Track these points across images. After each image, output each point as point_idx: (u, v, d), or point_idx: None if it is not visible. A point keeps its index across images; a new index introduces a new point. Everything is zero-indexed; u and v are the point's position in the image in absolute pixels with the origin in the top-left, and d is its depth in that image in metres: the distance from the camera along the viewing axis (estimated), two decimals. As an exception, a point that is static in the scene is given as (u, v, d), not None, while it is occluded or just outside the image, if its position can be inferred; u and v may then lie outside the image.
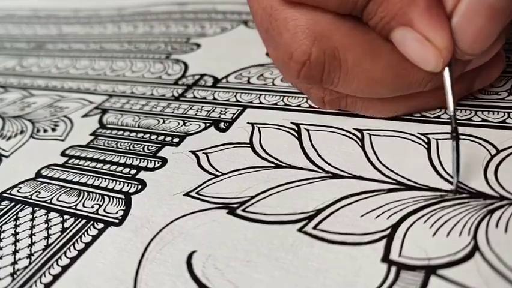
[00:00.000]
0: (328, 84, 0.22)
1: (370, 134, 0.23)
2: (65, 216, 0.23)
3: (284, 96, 0.28)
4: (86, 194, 0.24)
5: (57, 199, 0.24)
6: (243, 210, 0.20)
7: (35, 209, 0.24)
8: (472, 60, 0.21)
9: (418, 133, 0.22)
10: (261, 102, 0.28)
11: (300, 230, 0.19)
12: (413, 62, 0.20)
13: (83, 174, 0.25)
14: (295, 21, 0.21)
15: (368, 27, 0.20)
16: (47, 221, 0.23)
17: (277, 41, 0.22)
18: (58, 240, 0.21)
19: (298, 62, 0.21)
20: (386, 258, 0.17)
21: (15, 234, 0.22)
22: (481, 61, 0.22)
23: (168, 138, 0.27)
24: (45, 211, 0.23)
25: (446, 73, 0.20)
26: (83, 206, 0.23)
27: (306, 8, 0.21)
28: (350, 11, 0.20)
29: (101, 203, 0.23)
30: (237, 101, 0.29)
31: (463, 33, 0.19)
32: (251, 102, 0.28)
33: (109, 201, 0.23)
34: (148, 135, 0.27)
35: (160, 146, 0.26)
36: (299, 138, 0.24)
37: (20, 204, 0.24)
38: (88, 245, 0.21)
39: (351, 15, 0.20)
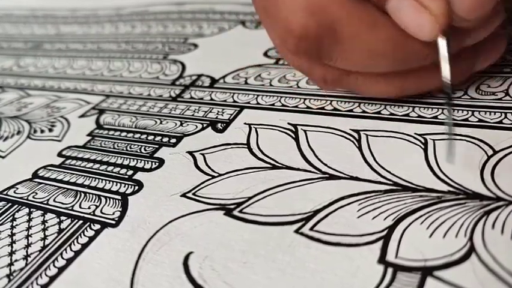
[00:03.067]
0: (327, 59, 0.22)
1: (367, 135, 0.23)
2: (62, 217, 0.23)
3: (281, 97, 0.28)
4: (82, 194, 0.24)
5: (54, 200, 0.24)
6: (240, 211, 0.20)
7: (32, 210, 0.24)
8: (470, 34, 0.21)
9: (415, 133, 0.22)
10: (258, 103, 0.28)
11: (297, 231, 0.19)
12: (408, 31, 0.20)
13: (79, 175, 0.25)
14: None
15: (364, 0, 0.21)
16: (44, 222, 0.23)
17: (275, 17, 0.22)
18: (55, 241, 0.21)
19: (296, 36, 0.22)
20: (382, 260, 0.17)
21: (12, 235, 0.22)
22: (480, 36, 0.22)
23: (165, 139, 0.26)
24: (42, 212, 0.23)
25: (441, 41, 0.20)
26: (80, 207, 0.23)
27: None
28: None
29: (97, 204, 0.23)
30: (234, 101, 0.29)
31: None
32: (248, 102, 0.28)
33: (106, 202, 0.23)
34: (145, 135, 0.27)
35: (157, 146, 0.26)
36: (296, 139, 0.24)
37: (16, 205, 0.24)
38: (84, 246, 0.21)
39: None
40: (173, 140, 0.26)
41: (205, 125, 0.27)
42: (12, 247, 0.22)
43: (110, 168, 0.25)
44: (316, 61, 0.23)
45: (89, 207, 0.23)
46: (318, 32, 0.21)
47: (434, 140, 0.22)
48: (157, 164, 0.25)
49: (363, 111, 0.25)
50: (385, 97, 0.24)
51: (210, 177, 0.23)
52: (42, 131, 0.31)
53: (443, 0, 0.19)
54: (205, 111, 0.28)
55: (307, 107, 0.26)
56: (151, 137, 0.27)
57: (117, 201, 0.23)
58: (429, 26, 0.19)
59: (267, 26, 0.24)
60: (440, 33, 0.19)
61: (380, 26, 0.21)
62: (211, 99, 0.29)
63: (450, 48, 0.20)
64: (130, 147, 0.27)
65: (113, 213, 0.22)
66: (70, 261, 0.20)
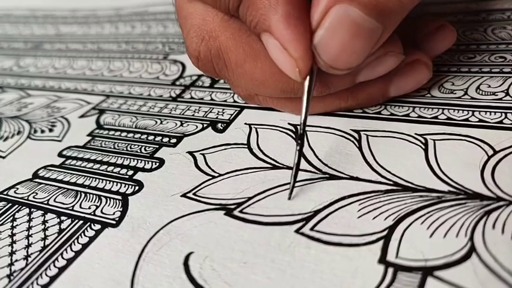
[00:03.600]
0: (226, 80, 0.24)
1: (367, 135, 0.23)
2: (62, 217, 0.23)
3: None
4: (83, 195, 0.24)
5: (54, 200, 0.24)
6: (240, 212, 0.20)
7: (32, 210, 0.24)
8: (361, 73, 0.22)
9: (415, 134, 0.22)
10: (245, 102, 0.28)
11: (297, 231, 0.19)
12: (279, 67, 0.20)
13: (80, 175, 0.25)
14: (191, 20, 0.23)
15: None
16: (44, 222, 0.23)
17: (182, 35, 0.24)
18: (55, 241, 0.21)
19: (192, 56, 0.24)
20: (383, 260, 0.17)
21: (12, 235, 0.22)
22: (374, 74, 0.22)
23: (165, 139, 0.26)
24: (42, 212, 0.23)
25: (306, 82, 0.20)
26: (80, 207, 0.23)
27: (202, 6, 0.23)
28: (228, 12, 0.21)
29: (98, 204, 0.23)
30: (235, 101, 0.29)
31: (327, 46, 0.19)
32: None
33: (106, 202, 0.23)
34: (145, 136, 0.27)
35: (157, 146, 0.26)
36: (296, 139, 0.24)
37: (16, 205, 0.24)
38: (84, 246, 0.21)
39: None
40: (173, 140, 0.26)
41: (205, 125, 0.27)
42: (12, 247, 0.22)
43: (110, 168, 0.25)
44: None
45: (89, 208, 0.23)
46: (208, 57, 0.23)
47: (434, 140, 0.22)
48: (157, 164, 0.25)
49: (364, 112, 0.25)
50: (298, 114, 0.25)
51: (210, 177, 0.23)
52: (42, 131, 0.31)
53: (303, 43, 0.19)
54: (206, 112, 0.28)
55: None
56: (151, 137, 0.27)
57: (117, 201, 0.23)
58: (291, 68, 0.19)
59: None
60: (303, 76, 0.20)
61: (261, 57, 0.22)
62: (212, 100, 0.29)
63: (311, 89, 0.20)
64: (130, 148, 0.27)
65: (114, 214, 0.22)
66: (70, 261, 0.20)
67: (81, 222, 0.22)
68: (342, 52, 0.19)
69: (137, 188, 0.23)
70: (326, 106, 0.24)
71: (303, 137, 0.20)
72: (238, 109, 0.28)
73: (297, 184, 0.21)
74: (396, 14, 0.19)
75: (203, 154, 0.24)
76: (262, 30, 0.20)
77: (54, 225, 0.22)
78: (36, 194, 0.25)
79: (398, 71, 0.23)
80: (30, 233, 0.22)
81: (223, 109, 0.28)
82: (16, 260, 0.21)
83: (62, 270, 0.20)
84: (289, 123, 0.25)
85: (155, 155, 0.25)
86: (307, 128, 0.24)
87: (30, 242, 0.22)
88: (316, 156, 0.22)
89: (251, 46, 0.22)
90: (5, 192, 0.25)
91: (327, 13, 0.18)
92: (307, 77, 0.20)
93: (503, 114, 0.22)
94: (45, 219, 0.23)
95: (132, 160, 0.25)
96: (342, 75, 0.21)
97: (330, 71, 0.20)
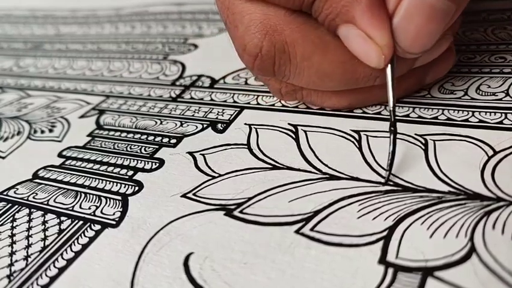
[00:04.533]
0: (281, 77, 0.23)
1: (367, 135, 0.23)
2: (62, 218, 0.23)
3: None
4: (83, 195, 0.24)
5: (54, 200, 0.24)
6: (240, 212, 0.20)
7: (32, 210, 0.24)
8: (419, 57, 0.22)
9: (415, 134, 0.22)
10: (258, 103, 0.28)
11: (297, 231, 0.19)
12: (358, 57, 0.21)
13: (80, 175, 0.25)
14: (249, 15, 0.22)
15: (318, 23, 0.21)
16: (44, 222, 0.23)
17: (233, 34, 0.23)
18: (55, 241, 0.21)
19: (250, 54, 0.23)
20: (383, 260, 0.17)
21: (12, 235, 0.22)
22: (430, 58, 0.23)
23: (165, 140, 0.26)
24: (42, 212, 0.23)
25: (388, 70, 0.20)
26: (80, 207, 0.23)
27: (260, 3, 0.22)
28: (299, 7, 0.21)
29: (98, 205, 0.23)
30: (235, 102, 0.29)
31: (404, 32, 0.19)
32: (248, 103, 0.28)
33: (106, 202, 0.23)
34: (145, 136, 0.27)
35: (157, 147, 0.26)
36: (296, 140, 0.24)
37: (16, 206, 0.24)
38: (84, 246, 0.21)
39: (302, 11, 0.21)
40: (173, 141, 0.26)
41: (205, 126, 0.27)
42: (12, 248, 0.22)
43: (110, 168, 0.25)
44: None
45: (89, 208, 0.23)
46: (271, 52, 0.22)
47: (434, 140, 0.22)
48: (157, 164, 0.25)
49: (364, 112, 0.25)
50: (338, 108, 0.25)
51: (210, 177, 0.23)
52: (42, 132, 0.31)
53: (388, 31, 0.19)
54: (205, 112, 0.28)
55: (307, 107, 0.26)
56: (151, 138, 0.27)
57: (117, 201, 0.23)
58: (376, 55, 0.20)
59: (231, 38, 0.25)
60: (386, 62, 0.20)
61: (331, 49, 0.22)
62: (211, 100, 0.29)
63: (394, 75, 0.20)
64: (130, 148, 0.27)
65: (114, 214, 0.22)
66: (70, 261, 0.20)
67: (81, 222, 0.22)
68: (418, 36, 0.19)
69: (137, 188, 0.23)
70: (371, 99, 0.24)
71: (395, 123, 0.20)
72: (238, 109, 0.28)
73: (296, 184, 0.21)
74: None
75: (203, 154, 0.24)
76: (342, 22, 0.20)
77: (54, 225, 0.22)
78: (36, 194, 0.25)
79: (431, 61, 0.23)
80: (30, 234, 0.22)
81: (223, 109, 0.28)
82: (16, 261, 0.21)
83: (62, 270, 0.20)
84: (289, 124, 0.25)
85: (155, 156, 0.25)
86: (307, 129, 0.24)
87: (30, 243, 0.22)
88: (316, 157, 0.22)
89: (320, 38, 0.22)
90: (5, 193, 0.25)
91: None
92: (389, 65, 0.20)
93: (503, 114, 0.22)
94: (45, 219, 0.23)
95: (132, 160, 0.25)
96: (406, 61, 0.21)
97: (405, 56, 0.20)
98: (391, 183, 0.20)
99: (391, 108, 0.21)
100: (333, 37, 0.21)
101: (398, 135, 0.22)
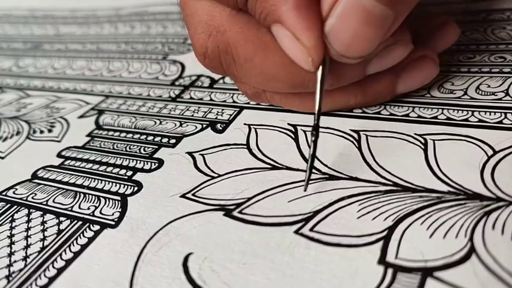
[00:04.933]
0: (232, 77, 0.24)
1: (367, 135, 0.23)
2: (61, 218, 0.23)
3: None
4: (82, 195, 0.24)
5: (53, 201, 0.24)
6: (240, 212, 0.20)
7: (31, 210, 0.24)
8: (371, 63, 0.22)
9: (415, 134, 0.22)
10: (258, 104, 0.28)
11: (296, 231, 0.19)
12: (291, 59, 0.20)
13: (79, 175, 0.25)
14: (197, 16, 0.23)
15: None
16: (43, 222, 0.23)
17: (188, 33, 0.24)
18: (54, 242, 0.21)
19: (199, 54, 0.23)
20: (382, 260, 0.17)
21: (11, 236, 0.22)
22: (383, 65, 0.22)
23: (165, 140, 0.26)
24: (41, 213, 0.23)
25: (319, 73, 0.20)
26: (79, 207, 0.23)
27: (208, 2, 0.22)
28: (235, 6, 0.21)
29: (97, 205, 0.23)
30: (234, 102, 0.28)
31: (338, 34, 0.19)
32: (248, 103, 0.28)
33: (105, 202, 0.23)
34: (145, 136, 0.27)
35: (156, 147, 0.26)
36: (296, 140, 0.24)
37: (15, 206, 0.24)
38: (83, 247, 0.21)
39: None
40: (172, 141, 0.26)
41: (204, 126, 0.27)
42: (11, 248, 0.22)
43: (109, 168, 0.25)
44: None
45: (88, 208, 0.23)
46: (215, 53, 0.23)
47: (434, 140, 0.22)
48: (156, 164, 0.25)
49: (363, 112, 0.25)
50: (304, 111, 0.25)
51: (210, 177, 0.23)
52: (41, 132, 0.31)
53: (315, 32, 0.19)
54: (205, 112, 0.28)
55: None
56: (150, 138, 0.27)
57: (116, 202, 0.23)
58: (303, 57, 0.19)
59: None
60: (315, 65, 0.19)
61: (271, 50, 0.21)
62: (211, 100, 0.29)
63: (324, 78, 0.20)
64: (130, 148, 0.27)
65: (113, 214, 0.22)
66: (69, 262, 0.20)
67: (80, 223, 0.22)
68: (353, 40, 0.19)
69: (136, 188, 0.23)
70: (335, 103, 0.24)
71: (317, 128, 0.20)
72: (238, 109, 0.27)
73: (296, 185, 0.21)
74: (407, 0, 0.19)
75: (202, 154, 0.24)
76: (272, 22, 0.20)
77: (53, 226, 0.22)
78: (36, 194, 0.25)
79: (406, 67, 0.23)
80: (29, 234, 0.22)
81: (223, 109, 0.28)
82: (15, 261, 0.21)
83: (61, 271, 0.20)
84: (288, 124, 0.25)
85: (154, 156, 0.25)
86: (306, 129, 0.24)
87: (29, 243, 0.22)
88: (316, 157, 0.22)
89: (261, 39, 0.22)
90: (4, 193, 0.25)
91: (337, 1, 0.18)
92: (320, 67, 0.20)
93: (502, 114, 0.22)
94: (44, 219, 0.23)
95: (131, 160, 0.25)
96: (353, 67, 0.21)
97: (341, 60, 0.20)
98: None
99: (316, 111, 0.20)
100: (274, 37, 0.21)
101: (398, 134, 0.22)
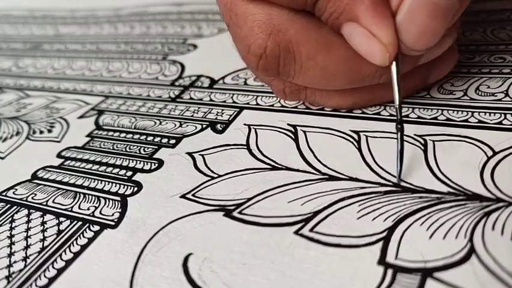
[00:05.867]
0: (285, 77, 0.23)
1: (367, 136, 0.23)
2: (61, 219, 0.23)
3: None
4: (82, 196, 0.24)
5: (53, 201, 0.24)
6: (240, 213, 0.20)
7: (31, 211, 0.24)
8: (423, 54, 0.22)
9: (415, 134, 0.22)
10: (257, 104, 0.28)
11: (296, 232, 0.19)
12: (362, 55, 0.20)
13: (79, 176, 0.25)
14: (253, 16, 0.22)
15: (322, 22, 0.21)
16: (43, 223, 0.23)
17: (237, 35, 0.23)
18: (54, 242, 0.21)
19: (255, 55, 0.23)
20: (382, 261, 0.17)
21: (11, 236, 0.22)
22: (433, 55, 0.23)
23: (164, 140, 0.26)
24: (41, 213, 0.23)
25: (393, 67, 0.20)
26: (79, 208, 0.23)
27: (263, 3, 0.22)
28: (303, 6, 0.21)
29: (97, 205, 0.23)
30: (234, 102, 0.28)
31: (407, 30, 0.19)
32: (248, 103, 0.28)
33: (105, 203, 0.23)
34: (145, 136, 0.27)
35: (156, 147, 0.26)
36: (296, 140, 0.24)
37: (15, 207, 0.24)
38: (83, 247, 0.21)
39: (306, 11, 0.21)
40: (172, 141, 0.26)
41: (204, 126, 0.27)
42: (11, 248, 0.22)
43: (109, 169, 0.25)
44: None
45: (88, 209, 0.23)
46: (275, 52, 0.22)
47: (433, 140, 0.22)
48: (156, 165, 0.25)
49: (363, 112, 0.25)
50: (342, 108, 0.25)
51: (210, 178, 0.23)
52: (41, 132, 0.31)
53: (392, 29, 0.19)
54: (205, 112, 0.28)
55: (307, 108, 0.26)
56: (150, 138, 0.27)
57: (116, 202, 0.23)
58: (380, 54, 0.20)
59: (233, 40, 0.24)
60: (391, 60, 0.20)
61: (335, 48, 0.22)
62: (211, 100, 0.29)
63: (399, 73, 0.20)
64: (130, 148, 0.27)
65: (113, 215, 0.22)
66: (69, 262, 0.20)
67: (80, 223, 0.22)
68: (422, 34, 0.19)
69: (136, 189, 0.23)
70: (376, 95, 0.24)
71: (402, 121, 0.20)
72: (238, 110, 0.28)
73: (296, 185, 0.21)
74: None
75: (202, 155, 0.24)
76: (346, 20, 0.20)
77: (53, 226, 0.22)
78: (35, 195, 0.25)
79: (435, 58, 0.23)
80: (29, 234, 0.22)
81: (223, 110, 0.28)
82: (15, 262, 0.21)
83: (60, 271, 0.20)
84: (288, 124, 0.25)
85: (154, 156, 0.25)
86: (306, 129, 0.24)
87: (29, 243, 0.22)
88: (316, 157, 0.22)
89: (324, 37, 0.22)
90: (4, 193, 0.25)
91: None
92: (394, 62, 0.20)
93: (502, 115, 0.22)
94: (44, 220, 0.23)
95: (131, 161, 0.25)
96: (408, 57, 0.21)
97: (409, 53, 0.20)
98: (403, 183, 0.20)
99: (397, 106, 0.20)
100: (337, 36, 0.21)
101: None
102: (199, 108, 0.29)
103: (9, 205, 0.24)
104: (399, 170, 0.20)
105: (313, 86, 0.24)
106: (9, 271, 0.20)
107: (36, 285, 0.19)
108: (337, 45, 0.22)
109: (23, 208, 0.24)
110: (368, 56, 0.20)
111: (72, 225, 0.22)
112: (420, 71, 0.24)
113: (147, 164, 0.25)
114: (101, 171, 0.25)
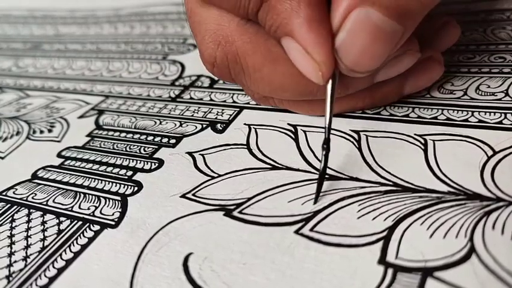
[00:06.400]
0: (241, 85, 0.24)
1: (367, 136, 0.23)
2: (61, 218, 0.23)
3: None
4: (82, 195, 0.24)
5: (53, 201, 0.24)
6: (240, 212, 0.20)
7: (31, 210, 0.24)
8: (379, 72, 0.22)
9: (415, 134, 0.22)
10: (258, 104, 0.28)
11: (296, 232, 0.19)
12: (300, 71, 0.20)
13: (79, 175, 0.25)
14: (205, 25, 0.23)
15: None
16: (43, 222, 0.23)
17: (196, 41, 0.24)
18: (54, 242, 0.21)
19: (207, 62, 0.24)
20: (382, 260, 0.17)
21: (11, 236, 0.22)
22: (392, 73, 0.22)
23: (165, 140, 0.26)
24: (41, 213, 0.23)
25: (328, 87, 0.20)
26: (79, 207, 0.23)
27: (216, 12, 0.22)
28: (247, 17, 0.21)
29: (97, 205, 0.23)
30: (234, 102, 0.28)
31: (347, 50, 0.19)
32: (248, 103, 0.28)
33: (105, 203, 0.23)
34: (145, 136, 0.27)
35: (156, 147, 0.26)
36: (296, 140, 0.24)
37: (16, 206, 0.24)
38: (84, 247, 0.21)
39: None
40: (172, 141, 0.26)
41: (204, 126, 0.27)
42: (11, 248, 0.22)
43: (109, 169, 0.25)
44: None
45: (88, 208, 0.23)
46: (224, 62, 0.23)
47: (433, 140, 0.22)
48: (156, 164, 0.25)
49: (363, 112, 0.25)
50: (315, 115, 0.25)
51: (210, 177, 0.23)
52: (41, 132, 0.31)
53: (327, 48, 0.19)
54: (205, 112, 0.28)
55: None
56: (150, 138, 0.27)
57: (116, 202, 0.23)
58: (314, 71, 0.19)
59: None
60: (325, 79, 0.19)
61: (281, 61, 0.21)
62: (211, 100, 0.29)
63: (334, 93, 0.20)
64: (130, 148, 0.27)
65: (113, 214, 0.22)
66: (69, 262, 0.20)
67: (80, 223, 0.22)
68: (363, 55, 0.19)
69: (136, 188, 0.23)
70: (343, 107, 0.24)
71: (328, 142, 0.20)
72: (238, 109, 0.28)
73: (296, 185, 0.21)
74: (416, 14, 0.19)
75: (202, 155, 0.24)
76: (283, 35, 0.19)
77: (53, 226, 0.22)
78: (36, 194, 0.25)
79: (412, 69, 0.23)
80: (29, 234, 0.22)
81: (223, 109, 0.28)
82: (15, 261, 0.21)
83: (61, 271, 0.20)
84: (288, 124, 0.25)
85: (154, 156, 0.25)
86: (306, 129, 0.24)
87: (29, 243, 0.22)
88: (316, 157, 0.22)
89: (269, 50, 0.22)
90: (4, 193, 0.25)
91: (347, 16, 0.18)
92: (330, 80, 0.20)
93: (502, 114, 0.22)
94: (45, 220, 0.23)
95: (131, 161, 0.25)
96: (361, 77, 0.21)
97: (350, 74, 0.20)
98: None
99: (326, 126, 0.20)
100: (282, 49, 0.20)
101: (398, 135, 0.22)
102: (199, 108, 0.29)
103: (9, 205, 0.24)
104: (317, 193, 0.20)
105: (270, 95, 0.24)
106: (9, 271, 0.20)
107: (36, 285, 0.19)
108: (282, 58, 0.21)
109: (23, 208, 0.24)
110: (304, 72, 0.20)
111: (72, 224, 0.22)
112: (393, 82, 0.23)
113: (147, 163, 0.25)
114: (101, 171, 0.25)
